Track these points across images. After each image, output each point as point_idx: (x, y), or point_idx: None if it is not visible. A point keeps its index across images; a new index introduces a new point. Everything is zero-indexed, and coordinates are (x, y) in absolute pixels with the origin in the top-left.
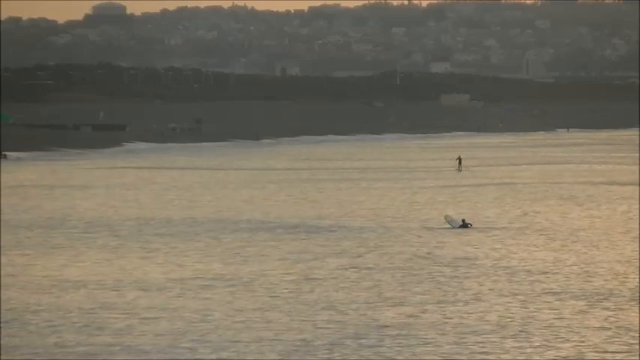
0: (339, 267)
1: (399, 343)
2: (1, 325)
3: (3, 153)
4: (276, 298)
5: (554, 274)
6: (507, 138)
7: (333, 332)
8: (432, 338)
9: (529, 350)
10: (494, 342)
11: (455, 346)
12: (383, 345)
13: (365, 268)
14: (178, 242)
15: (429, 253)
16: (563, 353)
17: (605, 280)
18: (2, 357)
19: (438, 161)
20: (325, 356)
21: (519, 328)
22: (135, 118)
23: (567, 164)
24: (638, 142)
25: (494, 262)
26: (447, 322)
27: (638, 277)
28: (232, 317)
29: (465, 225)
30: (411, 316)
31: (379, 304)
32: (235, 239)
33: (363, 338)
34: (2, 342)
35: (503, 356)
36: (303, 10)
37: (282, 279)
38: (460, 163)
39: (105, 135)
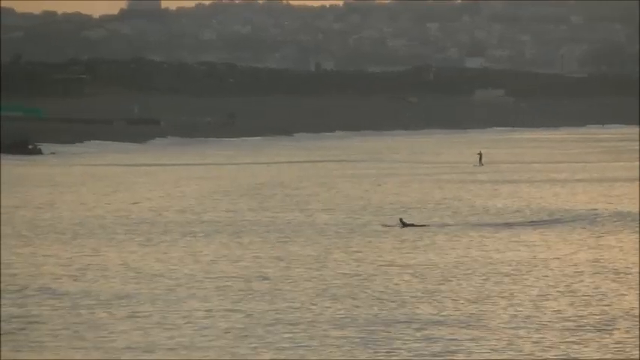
0: None
1: None
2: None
3: (38, 147)
4: None
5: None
6: (541, 133)
7: None
8: None
9: None
10: None
11: None
12: None
13: None
14: None
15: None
16: None
17: None
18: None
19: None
20: None
21: None
22: (169, 112)
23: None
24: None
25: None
26: None
27: None
28: None
29: (404, 224)
30: None
31: None
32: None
33: None
34: None
35: None
36: (338, 5)
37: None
38: (481, 158)
39: (139, 129)
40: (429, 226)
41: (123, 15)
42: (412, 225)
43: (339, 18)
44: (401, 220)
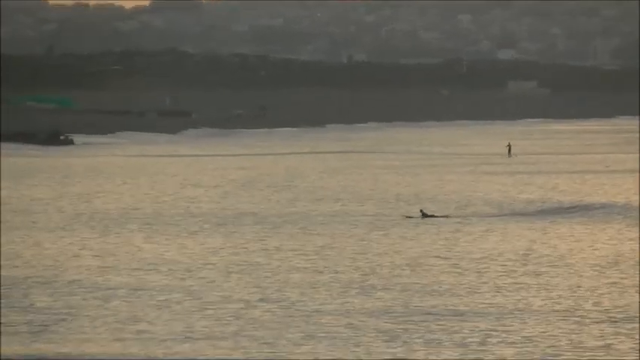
0: None
1: None
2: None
3: (70, 138)
4: None
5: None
6: (573, 125)
7: None
8: None
9: None
10: None
11: None
12: None
13: None
14: None
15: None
16: None
17: None
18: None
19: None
20: None
21: None
22: (200, 104)
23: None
24: None
25: None
26: None
27: None
28: None
29: (425, 215)
30: None
31: None
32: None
33: None
34: None
35: None
36: None
37: None
38: (510, 150)
39: (171, 121)
40: (449, 217)
41: (155, 7)
42: (433, 216)
43: (371, 10)
44: (422, 211)
